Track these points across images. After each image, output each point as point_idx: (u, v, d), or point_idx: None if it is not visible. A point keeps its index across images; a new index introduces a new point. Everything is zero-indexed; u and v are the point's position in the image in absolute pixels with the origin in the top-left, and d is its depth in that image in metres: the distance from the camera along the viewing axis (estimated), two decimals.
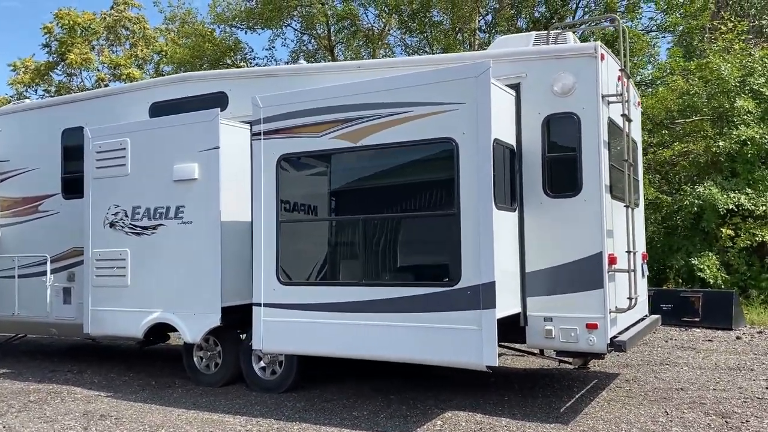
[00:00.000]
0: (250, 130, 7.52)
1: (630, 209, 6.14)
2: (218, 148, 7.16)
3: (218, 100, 7.86)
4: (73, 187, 9.08)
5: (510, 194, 6.09)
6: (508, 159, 6.07)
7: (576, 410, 6.42)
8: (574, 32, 7.33)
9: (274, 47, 32.26)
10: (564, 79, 6.01)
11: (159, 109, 8.30)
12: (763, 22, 15.03)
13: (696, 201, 13.60)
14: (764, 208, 13.60)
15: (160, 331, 8.07)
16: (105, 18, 32.62)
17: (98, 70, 32.15)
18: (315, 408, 6.65)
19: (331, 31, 21.55)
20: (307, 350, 6.34)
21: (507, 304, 5.81)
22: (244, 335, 7.70)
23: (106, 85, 30.53)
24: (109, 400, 7.32)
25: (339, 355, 6.22)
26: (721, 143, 13.63)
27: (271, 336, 6.40)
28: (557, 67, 6.06)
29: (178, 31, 24.33)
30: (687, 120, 14.66)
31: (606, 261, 5.87)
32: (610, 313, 5.88)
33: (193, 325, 7.25)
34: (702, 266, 13.57)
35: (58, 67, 32.60)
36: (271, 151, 6.45)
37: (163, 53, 31.54)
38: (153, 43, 33.08)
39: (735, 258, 14.16)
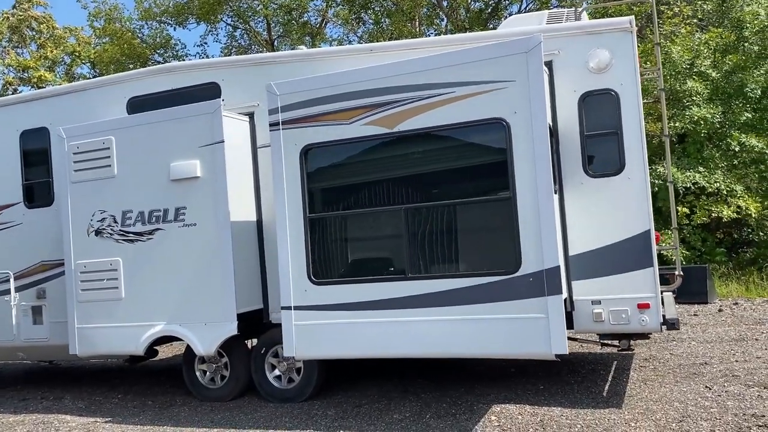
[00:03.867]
0: (251, 120, 7.03)
1: (672, 185, 6.06)
2: (223, 142, 6.57)
3: (209, 92, 7.23)
4: (37, 194, 8.22)
5: None
6: None
7: (618, 393, 6.31)
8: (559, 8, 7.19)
9: (206, 43, 31.12)
10: (600, 55, 5.85)
11: (139, 105, 7.55)
12: (705, 6, 15.63)
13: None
14: (717, 185, 14.13)
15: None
16: (8, 18, 30.37)
17: (4, 73, 29.91)
18: (350, 415, 6.23)
19: (272, 24, 20.80)
20: (348, 353, 5.90)
21: None
22: (254, 343, 7.17)
23: (15, 90, 28.45)
24: (110, 426, 6.62)
25: (386, 355, 5.83)
26: (676, 124, 14.04)
27: (304, 341, 5.91)
28: (592, 43, 5.89)
29: (104, 28, 22.83)
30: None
31: (654, 239, 5.76)
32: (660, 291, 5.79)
33: (206, 336, 6.64)
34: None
35: None
36: (293, 141, 5.96)
37: (76, 54, 29.76)
38: (63, 44, 31.12)
39: (690, 235, 14.66)
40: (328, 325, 5.84)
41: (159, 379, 8.74)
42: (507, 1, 18.25)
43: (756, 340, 8.30)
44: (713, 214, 14.09)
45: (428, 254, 5.61)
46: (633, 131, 5.79)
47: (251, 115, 7.06)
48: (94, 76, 29.26)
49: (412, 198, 5.66)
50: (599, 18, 14.22)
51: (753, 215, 13.74)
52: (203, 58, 22.35)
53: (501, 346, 5.33)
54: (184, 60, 21.95)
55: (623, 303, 5.77)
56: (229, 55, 22.57)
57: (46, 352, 8.33)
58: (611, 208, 5.83)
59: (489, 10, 18.14)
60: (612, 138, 5.84)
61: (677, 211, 14.52)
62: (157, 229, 6.83)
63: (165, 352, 9.88)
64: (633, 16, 5.90)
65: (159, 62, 21.18)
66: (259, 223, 7.02)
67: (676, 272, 6.34)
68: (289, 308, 5.96)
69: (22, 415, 7.36)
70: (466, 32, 17.62)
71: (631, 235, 5.78)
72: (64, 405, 7.75)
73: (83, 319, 7.13)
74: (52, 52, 30.49)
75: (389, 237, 5.81)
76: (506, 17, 19.55)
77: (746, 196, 13.85)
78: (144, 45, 20.79)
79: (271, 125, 6.08)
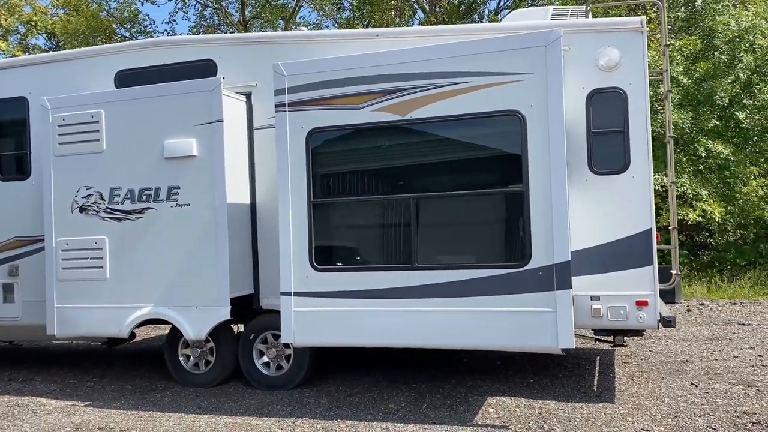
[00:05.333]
0: (248, 100, 6.84)
1: (674, 185, 6.16)
2: (222, 121, 6.38)
3: (204, 69, 7.00)
4: (12, 166, 7.85)
5: None
6: None
7: (608, 388, 6.41)
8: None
9: (174, 20, 30.16)
10: (610, 54, 5.89)
11: (128, 79, 7.26)
12: (679, 14, 16.00)
13: None
14: (683, 188, 14.49)
15: None
16: None
17: None
18: (344, 404, 6.15)
19: (246, 4, 20.34)
20: (349, 342, 5.84)
21: None
22: (242, 329, 7.02)
23: None
24: (91, 410, 6.38)
25: (388, 344, 5.79)
26: None
27: (303, 328, 5.81)
28: (602, 41, 5.92)
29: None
30: None
31: (654, 237, 5.85)
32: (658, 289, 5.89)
33: (196, 321, 6.45)
34: None
35: None
36: (299, 124, 5.83)
37: (32, 23, 28.64)
38: (18, 12, 29.91)
39: None
40: (329, 313, 5.75)
41: (134, 363, 8.49)
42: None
43: (729, 340, 8.56)
44: (678, 217, 14.46)
45: (436, 244, 5.58)
46: (639, 131, 5.85)
47: (248, 95, 6.88)
48: (50, 48, 28.22)
49: (421, 187, 5.61)
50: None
51: (717, 219, 14.17)
52: (171, 35, 21.76)
53: (507, 338, 5.34)
54: (151, 36, 21.35)
55: (622, 300, 5.84)
56: (198, 34, 22.03)
57: (16, 332, 8.00)
58: (614, 206, 5.89)
59: (464, 5, 18.14)
60: (618, 136, 5.89)
61: None
62: (148, 208, 6.60)
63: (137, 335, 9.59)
64: (644, 17, 5.96)
65: (126, 37, 20.54)
66: (253, 206, 6.86)
67: (674, 271, 6.46)
68: (288, 294, 5.84)
69: None
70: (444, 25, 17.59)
71: (633, 233, 5.85)
72: (35, 387, 7.45)
73: (63, 298, 6.84)
74: (6, 20, 29.24)
75: (396, 225, 5.73)
76: (483, 12, 19.63)
77: (711, 200, 14.26)
78: (111, 18, 20.05)
79: (276, 106, 5.92)
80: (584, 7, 6.77)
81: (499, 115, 5.36)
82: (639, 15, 15.60)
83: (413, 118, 5.55)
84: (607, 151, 5.92)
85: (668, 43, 6.49)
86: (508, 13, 19.61)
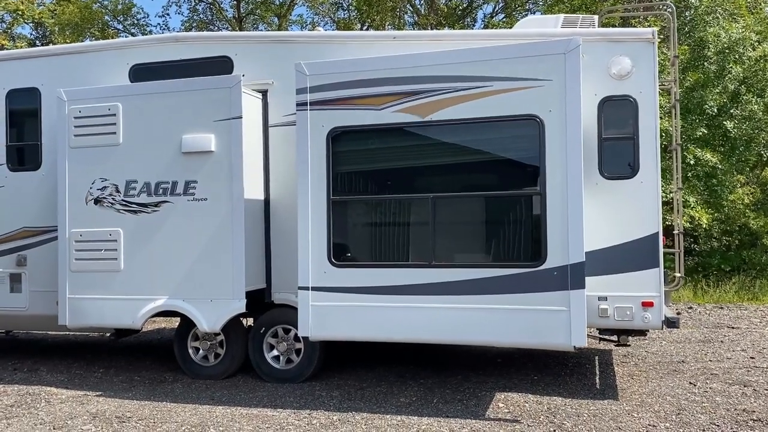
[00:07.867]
0: (262, 98, 6.93)
1: (681, 191, 6.39)
2: (240, 117, 6.48)
3: (221, 65, 7.10)
4: (22, 157, 7.87)
5: None
6: None
7: (611, 386, 6.62)
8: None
9: (168, 14, 30.18)
10: (622, 63, 6.10)
11: (143, 73, 7.33)
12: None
13: None
14: (670, 195, 14.82)
15: None
16: None
17: None
18: (356, 397, 6.29)
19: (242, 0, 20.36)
20: (365, 336, 5.98)
21: None
22: (252, 322, 7.12)
23: None
24: (104, 399, 6.45)
25: (404, 340, 5.95)
26: None
27: (321, 322, 5.94)
28: (615, 51, 6.12)
29: None
30: None
31: (661, 241, 6.08)
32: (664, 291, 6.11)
33: (211, 313, 6.54)
34: None
35: None
36: (320, 123, 5.95)
37: (19, 12, 28.37)
38: (4, 1, 29.59)
39: None
40: (346, 308, 5.88)
41: (137, 356, 8.55)
42: (481, 0, 18.61)
43: (721, 342, 8.84)
44: (666, 223, 14.79)
45: (453, 243, 5.74)
46: (648, 138, 6.07)
47: (264, 93, 6.99)
48: (37, 37, 27.98)
49: (440, 187, 5.77)
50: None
51: (704, 226, 14.52)
52: (164, 29, 21.71)
53: (521, 335, 5.52)
54: (145, 29, 21.28)
55: (629, 300, 6.06)
56: (190, 30, 22.00)
57: (22, 322, 8.03)
58: (623, 210, 6.10)
59: (459, 9, 18.36)
60: (628, 143, 6.10)
61: None
62: (164, 201, 6.68)
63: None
64: (656, 28, 6.17)
65: (118, 29, 20.46)
66: (267, 201, 6.97)
67: (678, 275, 6.69)
68: (306, 289, 5.96)
69: (2, 386, 7.06)
70: (440, 29, 17.80)
71: (641, 236, 6.07)
72: (41, 377, 7.48)
73: (76, 289, 6.89)
74: None
75: (414, 224, 5.90)
76: (477, 16, 19.84)
77: (698, 207, 14.60)
78: (104, 10, 19.94)
79: (298, 105, 6.04)
80: (595, 16, 6.97)
81: (518, 119, 5.54)
82: (637, 26, 15.93)
83: (434, 120, 5.70)
84: (617, 157, 6.13)
85: (677, 54, 6.72)
86: (503, 17, 19.94)
